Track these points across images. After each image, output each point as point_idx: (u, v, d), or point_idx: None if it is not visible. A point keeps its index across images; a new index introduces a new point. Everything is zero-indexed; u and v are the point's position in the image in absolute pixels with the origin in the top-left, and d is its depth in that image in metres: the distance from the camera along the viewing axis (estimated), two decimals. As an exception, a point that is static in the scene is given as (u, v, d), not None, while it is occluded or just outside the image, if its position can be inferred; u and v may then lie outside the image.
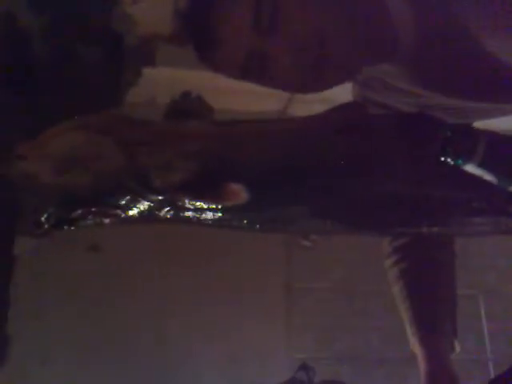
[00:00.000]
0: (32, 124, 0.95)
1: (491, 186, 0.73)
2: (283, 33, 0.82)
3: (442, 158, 0.70)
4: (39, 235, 0.75)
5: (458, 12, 0.82)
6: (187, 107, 0.86)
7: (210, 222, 0.76)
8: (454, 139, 0.70)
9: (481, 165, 0.69)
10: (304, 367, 0.94)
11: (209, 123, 0.83)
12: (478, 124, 0.95)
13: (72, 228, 0.73)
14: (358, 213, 0.80)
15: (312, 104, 1.39)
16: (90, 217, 0.73)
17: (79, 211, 0.73)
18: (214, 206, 0.75)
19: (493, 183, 0.71)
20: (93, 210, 0.73)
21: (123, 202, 0.73)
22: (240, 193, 0.72)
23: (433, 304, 1.06)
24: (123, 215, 0.75)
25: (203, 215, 0.76)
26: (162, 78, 1.94)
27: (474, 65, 0.86)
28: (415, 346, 1.05)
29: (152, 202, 0.74)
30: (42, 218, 0.71)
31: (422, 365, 1.04)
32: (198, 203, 0.75)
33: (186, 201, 0.74)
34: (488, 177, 0.70)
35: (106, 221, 0.75)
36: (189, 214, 0.76)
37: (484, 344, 2.80)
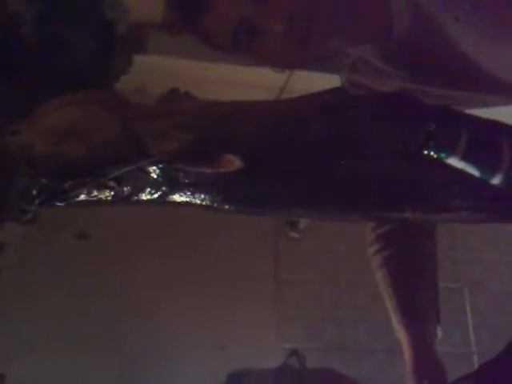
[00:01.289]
0: (23, 108, 0.94)
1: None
2: (274, 3, 0.83)
3: (426, 152, 0.71)
4: (26, 221, 0.74)
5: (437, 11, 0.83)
6: (174, 101, 0.87)
7: (200, 199, 0.76)
8: (437, 133, 0.70)
9: (463, 158, 0.70)
10: (295, 353, 0.94)
11: (198, 102, 0.84)
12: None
13: (63, 203, 0.72)
14: (341, 195, 0.80)
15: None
16: (83, 189, 0.72)
17: (72, 182, 0.71)
18: (205, 180, 0.75)
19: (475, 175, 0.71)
20: (87, 180, 0.72)
21: (117, 172, 0.72)
22: (234, 160, 0.72)
23: (416, 291, 1.08)
24: (117, 188, 0.74)
25: (195, 193, 0.75)
26: (153, 66, 1.93)
27: (455, 57, 0.87)
28: (400, 333, 1.06)
29: (147, 173, 0.73)
30: (34, 192, 0.70)
31: (406, 351, 1.05)
32: (191, 178, 0.74)
33: (180, 174, 0.74)
34: (470, 170, 0.71)
35: (100, 195, 0.74)
36: (181, 191, 0.76)
37: (469, 337, 2.82)
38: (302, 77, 1.53)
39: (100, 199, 0.74)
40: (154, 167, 0.73)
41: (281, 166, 0.78)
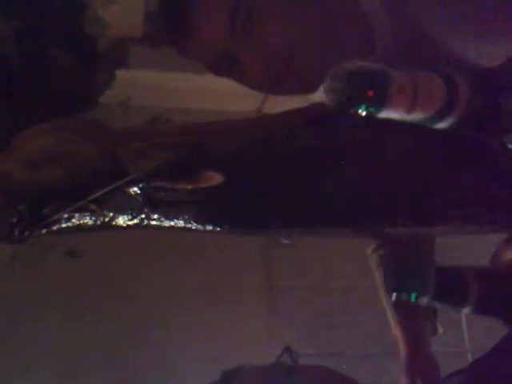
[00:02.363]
0: (5, 126, 0.94)
1: (468, 176, 0.75)
2: (255, 40, 0.84)
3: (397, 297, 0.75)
4: (15, 241, 0.74)
5: (419, 14, 0.84)
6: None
7: (183, 220, 0.76)
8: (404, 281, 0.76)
9: (433, 299, 0.74)
10: (287, 350, 0.95)
11: (177, 124, 0.84)
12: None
13: (46, 230, 0.72)
14: (330, 210, 0.80)
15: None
16: (63, 214, 0.72)
17: (52, 206, 0.71)
18: (186, 199, 0.75)
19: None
20: (66, 203, 0.72)
21: (98, 195, 0.72)
22: (215, 176, 0.72)
23: None
24: (99, 211, 0.74)
25: (177, 213, 0.76)
26: (137, 80, 1.94)
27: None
28: (395, 329, 1.08)
29: (126, 194, 0.73)
30: (14, 220, 0.70)
31: (402, 347, 1.07)
32: (172, 196, 0.74)
33: (161, 193, 0.74)
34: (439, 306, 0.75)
35: (82, 220, 0.74)
36: (163, 210, 0.76)
37: (463, 336, 2.83)
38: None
39: (81, 224, 0.74)
40: (135, 188, 0.73)
41: (266, 181, 0.78)
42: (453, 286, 0.72)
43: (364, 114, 0.65)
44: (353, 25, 0.90)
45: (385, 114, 0.65)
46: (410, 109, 0.64)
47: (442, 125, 0.67)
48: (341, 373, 0.98)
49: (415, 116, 0.65)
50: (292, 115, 0.83)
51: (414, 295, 0.71)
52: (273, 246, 2.85)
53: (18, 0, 1.05)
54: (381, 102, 0.62)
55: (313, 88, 0.92)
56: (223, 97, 2.23)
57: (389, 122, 0.82)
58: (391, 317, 1.10)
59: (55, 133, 0.74)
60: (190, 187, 0.72)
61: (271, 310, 2.78)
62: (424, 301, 0.72)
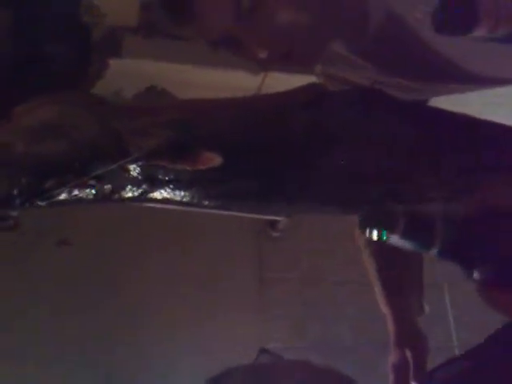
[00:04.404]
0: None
1: (451, 162, 0.78)
2: (259, 24, 0.84)
3: (366, 233, 0.78)
4: (6, 228, 0.74)
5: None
6: (152, 100, 0.87)
7: (180, 196, 0.76)
8: (376, 217, 0.79)
9: (402, 238, 0.78)
10: (264, 351, 0.96)
11: (176, 100, 0.84)
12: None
13: (45, 203, 0.71)
14: (318, 189, 0.82)
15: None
16: (63, 188, 0.71)
17: (52, 181, 0.71)
18: (184, 177, 0.75)
19: None
20: (67, 179, 0.71)
21: (98, 172, 0.72)
22: (213, 157, 0.73)
23: (400, 268, 1.12)
24: (98, 187, 0.74)
25: (175, 190, 0.76)
26: (129, 70, 1.93)
27: (426, 50, 0.90)
28: (383, 305, 1.10)
29: (126, 171, 0.73)
30: (15, 192, 0.70)
31: (389, 323, 1.09)
32: (170, 175, 0.75)
33: (160, 171, 0.74)
34: (408, 246, 0.79)
35: (80, 194, 0.74)
36: (161, 188, 0.76)
37: (450, 332, 2.86)
38: (277, 78, 1.55)
39: (81, 198, 0.74)
40: (134, 165, 0.73)
41: (260, 161, 0.79)
42: (421, 226, 0.75)
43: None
44: (349, 2, 0.91)
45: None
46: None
47: None
48: (324, 366, 0.99)
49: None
50: (285, 97, 0.84)
51: (384, 232, 0.75)
52: (264, 238, 2.87)
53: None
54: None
55: (313, 64, 0.94)
56: (215, 89, 2.24)
57: (379, 105, 0.83)
58: (379, 294, 1.12)
59: (57, 105, 0.74)
60: (188, 168, 0.73)
61: (261, 302, 2.80)
62: (394, 240, 0.75)
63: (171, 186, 0.77)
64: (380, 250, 1.13)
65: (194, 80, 1.73)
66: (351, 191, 0.83)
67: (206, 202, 0.80)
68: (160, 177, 0.75)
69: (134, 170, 0.74)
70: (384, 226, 0.75)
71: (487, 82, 1.00)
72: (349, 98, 0.88)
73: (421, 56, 0.94)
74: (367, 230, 0.76)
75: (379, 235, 0.76)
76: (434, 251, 0.77)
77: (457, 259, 0.78)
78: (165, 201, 0.79)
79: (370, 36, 0.93)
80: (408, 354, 1.04)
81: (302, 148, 0.81)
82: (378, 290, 1.13)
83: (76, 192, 0.73)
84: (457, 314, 2.87)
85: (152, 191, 0.77)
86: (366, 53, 0.97)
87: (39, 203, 0.72)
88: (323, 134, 0.82)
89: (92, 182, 0.73)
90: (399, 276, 1.12)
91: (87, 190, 0.74)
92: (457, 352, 2.80)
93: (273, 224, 2.81)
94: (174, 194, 0.78)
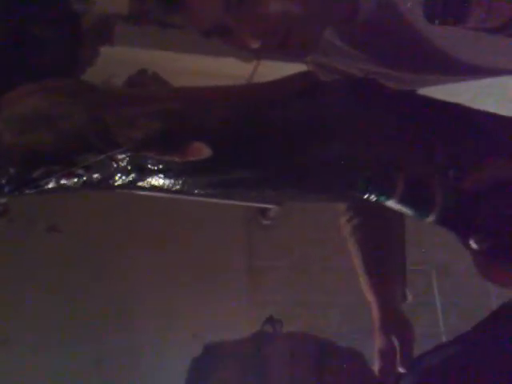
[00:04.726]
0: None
1: (444, 151, 0.79)
2: (251, 13, 0.83)
3: (365, 196, 0.79)
4: (3, 195, 0.74)
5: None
6: (143, 83, 0.87)
7: (170, 185, 0.77)
8: (375, 179, 0.80)
9: (400, 202, 0.78)
10: (270, 320, 0.97)
11: (166, 88, 0.84)
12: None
13: (33, 190, 0.72)
14: (308, 178, 0.82)
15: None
16: (52, 177, 0.72)
17: (41, 170, 0.72)
18: (174, 167, 0.75)
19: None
20: (55, 168, 0.72)
21: (86, 162, 0.72)
22: (203, 148, 0.73)
23: (383, 255, 1.13)
24: (86, 176, 0.74)
25: (165, 179, 0.76)
26: (120, 58, 1.92)
27: (417, 39, 0.91)
28: (367, 293, 1.11)
29: (115, 161, 0.73)
30: (3, 181, 0.70)
31: (374, 310, 1.10)
32: (159, 165, 0.75)
33: (149, 161, 0.74)
34: (406, 211, 0.79)
35: (68, 183, 0.74)
36: (150, 178, 0.76)
37: (437, 318, 2.89)
38: (269, 66, 1.55)
39: (70, 187, 0.75)
40: (123, 155, 0.74)
41: (252, 150, 0.79)
42: (419, 192, 0.77)
43: None
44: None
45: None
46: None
47: None
48: (323, 338, 1.00)
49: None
50: (279, 86, 0.84)
51: (382, 198, 0.76)
52: (254, 227, 2.88)
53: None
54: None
55: (308, 54, 0.94)
56: (206, 78, 2.23)
57: (372, 94, 0.84)
58: (363, 282, 1.13)
59: (45, 94, 0.74)
60: (177, 159, 0.73)
61: (252, 290, 2.81)
62: (392, 204, 0.76)
63: (161, 175, 0.77)
64: (365, 238, 1.14)
65: (186, 67, 1.73)
66: (344, 180, 0.84)
67: (197, 191, 0.80)
68: (149, 166, 0.76)
69: (123, 159, 0.74)
70: (382, 189, 0.76)
71: (479, 72, 1.01)
72: (342, 88, 0.88)
73: (412, 46, 0.94)
74: (366, 194, 0.76)
75: (377, 197, 0.76)
76: (431, 218, 0.77)
77: (454, 228, 0.79)
78: (154, 189, 0.79)
79: (360, 26, 0.93)
80: (394, 340, 1.05)
81: (295, 137, 0.81)
82: (362, 277, 1.14)
83: (64, 181, 0.74)
84: (444, 300, 2.90)
85: (141, 180, 0.77)
86: (356, 42, 0.98)
87: (27, 191, 0.73)
88: (317, 124, 0.82)
89: (80, 172, 0.73)
90: (383, 264, 1.13)
91: (75, 180, 0.74)
92: (444, 338, 2.84)
93: (263, 212, 2.82)
94: (164, 183, 0.78)
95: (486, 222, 0.76)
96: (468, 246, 0.77)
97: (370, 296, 1.12)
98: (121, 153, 0.73)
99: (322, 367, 0.90)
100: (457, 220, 0.78)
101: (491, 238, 0.76)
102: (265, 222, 2.86)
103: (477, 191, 0.76)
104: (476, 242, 0.76)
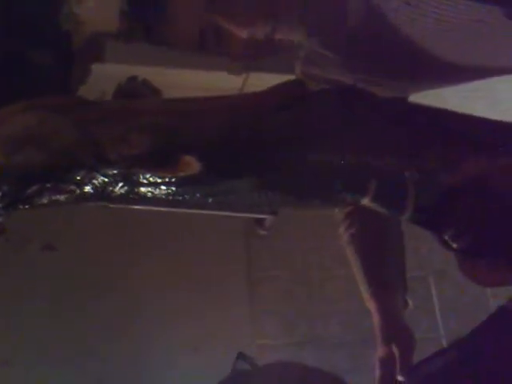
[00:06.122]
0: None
1: (427, 156, 0.79)
2: (235, 11, 0.85)
3: (339, 196, 0.80)
4: None
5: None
6: (133, 90, 0.87)
7: (163, 197, 0.77)
8: (348, 181, 0.81)
9: (373, 201, 0.79)
10: (241, 356, 0.95)
11: (157, 100, 0.85)
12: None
13: (27, 207, 0.73)
14: (302, 184, 0.83)
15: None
16: (44, 194, 0.73)
17: (34, 188, 0.72)
18: (167, 179, 0.76)
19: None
20: (47, 186, 0.73)
21: (78, 178, 0.73)
22: (192, 163, 0.73)
23: (382, 263, 1.13)
24: (78, 191, 0.75)
25: (157, 190, 0.77)
26: (112, 75, 1.93)
27: (404, 46, 0.92)
28: (368, 301, 1.11)
29: (107, 176, 0.74)
30: None
31: (375, 318, 1.10)
32: (151, 178, 0.76)
33: (141, 175, 0.75)
34: (381, 210, 0.79)
35: (61, 198, 0.75)
36: (143, 189, 0.77)
37: (437, 323, 2.89)
38: (259, 79, 1.56)
39: (63, 202, 0.76)
40: (115, 171, 0.74)
41: (243, 162, 0.80)
42: (392, 190, 0.77)
43: None
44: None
45: None
46: None
47: None
48: (304, 364, 0.99)
49: None
50: (263, 97, 0.84)
51: (356, 196, 0.77)
52: (254, 237, 2.87)
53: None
54: None
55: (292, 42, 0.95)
56: (196, 92, 2.24)
57: (359, 102, 0.85)
58: (364, 290, 1.13)
59: (35, 111, 0.74)
60: (168, 175, 0.74)
61: (252, 300, 2.81)
62: (365, 201, 0.77)
63: (151, 188, 0.78)
64: (363, 247, 1.14)
65: (176, 82, 1.73)
66: (332, 186, 0.84)
67: (190, 203, 0.81)
68: (141, 180, 0.76)
69: (115, 175, 0.75)
70: (356, 188, 0.76)
71: (467, 75, 1.01)
72: (329, 97, 0.89)
73: (399, 52, 0.95)
74: (341, 194, 0.76)
75: (352, 197, 0.77)
76: (406, 216, 0.77)
77: (429, 225, 0.79)
78: (147, 203, 0.80)
79: (348, 34, 0.94)
80: (394, 348, 1.05)
81: (284, 147, 0.82)
82: (362, 286, 1.14)
83: (57, 197, 0.75)
84: (443, 305, 2.91)
85: (134, 193, 0.78)
86: (344, 50, 0.98)
87: (21, 207, 0.74)
88: (305, 133, 0.83)
89: (72, 187, 0.74)
90: (383, 272, 1.13)
91: (68, 195, 0.75)
92: (444, 343, 2.83)
93: (259, 222, 2.82)
94: (157, 196, 0.79)
95: (460, 219, 0.76)
96: (445, 244, 0.77)
97: (370, 304, 1.11)
98: (113, 169, 0.73)
99: None
100: (432, 218, 0.78)
101: (467, 235, 0.76)
102: (262, 233, 2.86)
103: (453, 190, 0.76)
104: (451, 239, 0.76)
